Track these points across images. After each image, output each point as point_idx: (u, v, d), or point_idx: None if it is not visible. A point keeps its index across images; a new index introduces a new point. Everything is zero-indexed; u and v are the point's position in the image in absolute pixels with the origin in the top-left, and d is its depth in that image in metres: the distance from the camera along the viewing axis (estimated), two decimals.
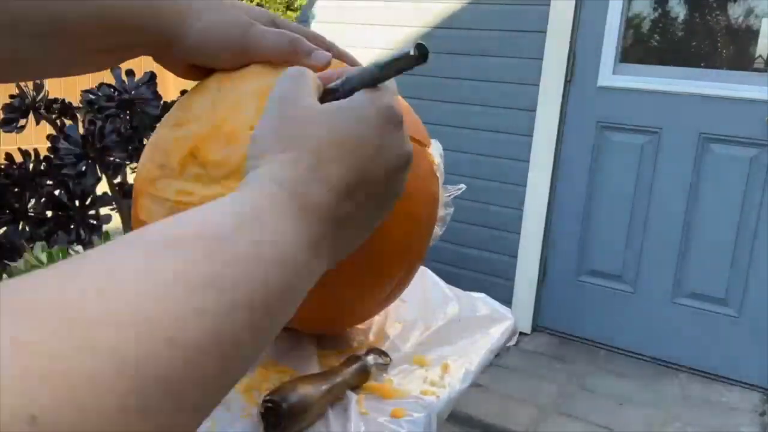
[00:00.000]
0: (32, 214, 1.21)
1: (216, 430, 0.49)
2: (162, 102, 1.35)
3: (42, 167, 1.37)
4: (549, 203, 2.67)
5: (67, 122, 1.43)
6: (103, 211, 1.24)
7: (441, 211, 0.62)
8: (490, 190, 2.76)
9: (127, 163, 1.30)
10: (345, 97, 0.40)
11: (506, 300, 2.69)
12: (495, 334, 0.73)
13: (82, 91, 1.40)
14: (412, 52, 0.37)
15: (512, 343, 0.77)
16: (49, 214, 1.19)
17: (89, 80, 1.51)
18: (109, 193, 1.30)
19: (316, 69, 0.56)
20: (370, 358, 0.59)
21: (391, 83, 0.42)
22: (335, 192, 0.35)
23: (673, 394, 2.33)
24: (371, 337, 0.67)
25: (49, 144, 1.36)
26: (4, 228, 1.32)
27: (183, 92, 0.65)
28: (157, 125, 0.57)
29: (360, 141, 0.37)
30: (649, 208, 2.50)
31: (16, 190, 1.32)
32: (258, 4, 2.98)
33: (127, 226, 1.32)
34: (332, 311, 0.58)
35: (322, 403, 0.52)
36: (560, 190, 2.66)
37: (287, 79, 0.41)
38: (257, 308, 0.29)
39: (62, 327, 0.20)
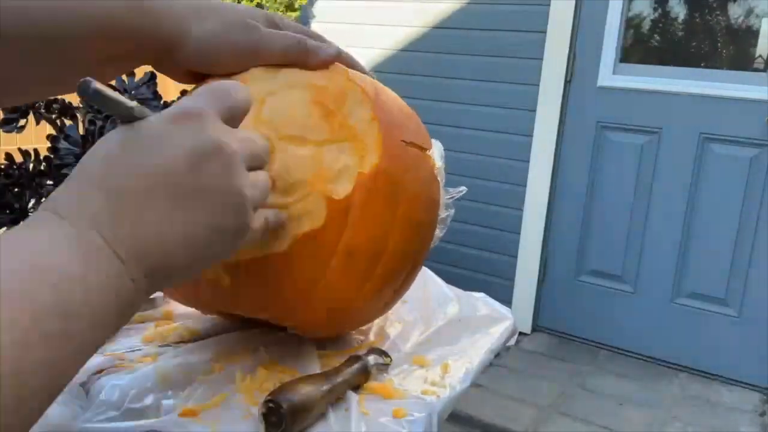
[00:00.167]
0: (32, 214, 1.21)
1: (217, 431, 0.49)
2: (162, 102, 1.35)
3: (42, 167, 1.37)
4: (549, 203, 2.67)
5: (67, 122, 1.43)
6: None
7: (442, 213, 0.62)
8: (490, 190, 2.76)
9: None
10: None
11: (506, 300, 2.69)
12: (495, 334, 0.73)
13: None
14: (131, 109, 0.36)
15: (512, 343, 0.77)
16: None
17: None
18: None
19: (324, 66, 0.55)
20: (371, 359, 0.59)
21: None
22: (101, 190, 0.33)
23: (673, 394, 2.33)
24: (372, 337, 0.67)
25: (49, 144, 1.36)
26: (4, 228, 1.32)
27: (183, 92, 0.65)
28: None
29: (126, 141, 0.35)
30: (649, 208, 2.50)
31: (16, 190, 1.32)
32: (258, 5, 2.98)
33: None
34: (334, 318, 0.58)
35: (322, 403, 0.52)
36: (560, 190, 2.66)
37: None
38: (32, 334, 0.28)
39: None
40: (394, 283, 0.59)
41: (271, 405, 0.48)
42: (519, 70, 2.64)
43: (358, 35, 2.98)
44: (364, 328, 0.69)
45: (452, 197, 0.63)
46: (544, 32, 2.56)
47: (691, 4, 2.53)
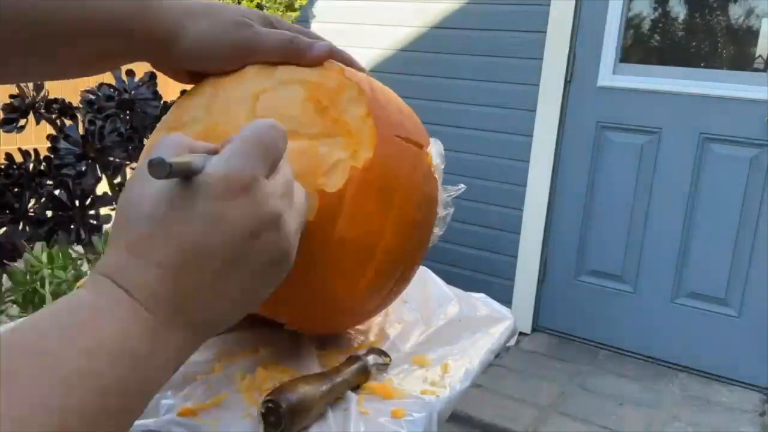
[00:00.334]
0: (32, 214, 1.21)
1: (217, 431, 0.49)
2: (162, 102, 1.35)
3: (42, 167, 1.37)
4: (549, 203, 2.67)
5: (67, 122, 1.43)
6: (103, 211, 1.24)
7: (441, 212, 0.62)
8: (490, 190, 2.76)
9: (127, 163, 1.30)
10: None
11: (506, 300, 2.69)
12: (495, 334, 0.73)
13: (82, 91, 1.40)
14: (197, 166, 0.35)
15: (512, 343, 0.77)
16: (49, 214, 1.19)
17: (89, 80, 1.51)
18: (109, 193, 1.30)
19: (318, 62, 0.56)
20: (370, 358, 0.59)
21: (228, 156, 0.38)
22: (163, 267, 0.34)
23: (673, 394, 2.33)
24: (371, 337, 0.67)
25: (49, 144, 1.36)
26: (4, 228, 1.32)
27: (183, 92, 0.65)
28: (156, 127, 0.58)
29: (185, 215, 0.34)
30: (649, 208, 2.50)
31: (16, 190, 1.32)
32: (258, 5, 2.98)
33: None
34: (329, 313, 0.58)
35: (322, 403, 0.52)
36: (560, 191, 2.66)
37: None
38: (100, 414, 0.29)
39: None
40: (390, 279, 0.59)
41: (270, 405, 0.48)
42: (519, 70, 2.64)
43: (358, 35, 2.98)
44: (363, 328, 0.69)
45: (451, 195, 0.63)
46: (544, 32, 2.56)
47: (691, 4, 2.53)
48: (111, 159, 1.27)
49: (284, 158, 0.42)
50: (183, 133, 0.41)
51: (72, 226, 1.20)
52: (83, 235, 1.19)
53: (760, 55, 2.39)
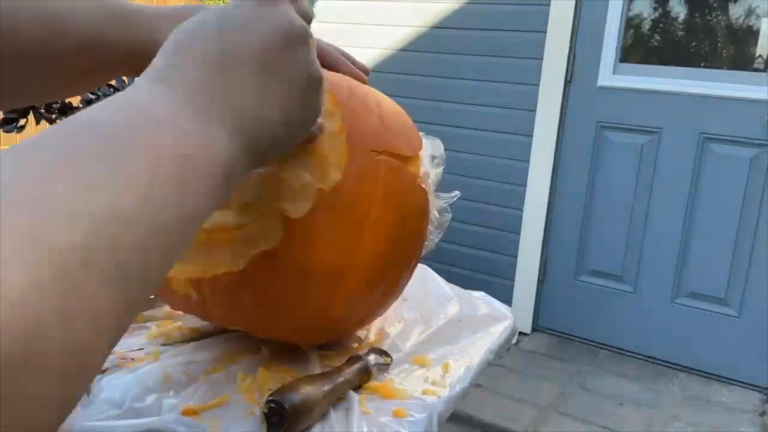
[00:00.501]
0: None
1: (218, 430, 0.49)
2: None
3: None
4: (549, 203, 2.67)
5: None
6: None
7: (434, 220, 0.61)
8: (490, 190, 2.76)
9: None
10: None
11: (506, 300, 2.69)
12: (495, 334, 0.73)
13: None
14: None
15: (511, 342, 0.77)
16: None
17: None
18: None
19: None
20: (371, 358, 0.59)
21: None
22: (205, 64, 0.35)
23: (673, 394, 2.33)
24: (372, 336, 0.67)
25: None
26: None
27: None
28: None
29: (229, 16, 0.37)
30: (649, 208, 2.50)
31: None
32: None
33: None
34: (303, 331, 0.58)
35: (324, 403, 0.52)
36: (560, 191, 2.66)
37: None
38: (160, 183, 0.28)
39: None
40: (371, 296, 0.58)
41: (273, 405, 0.48)
42: (519, 70, 2.64)
43: (358, 35, 2.98)
44: (363, 328, 0.69)
45: (448, 201, 0.62)
46: (544, 32, 2.56)
47: (691, 4, 2.53)
48: None
49: None
50: None
51: None
52: None
53: (760, 55, 2.39)
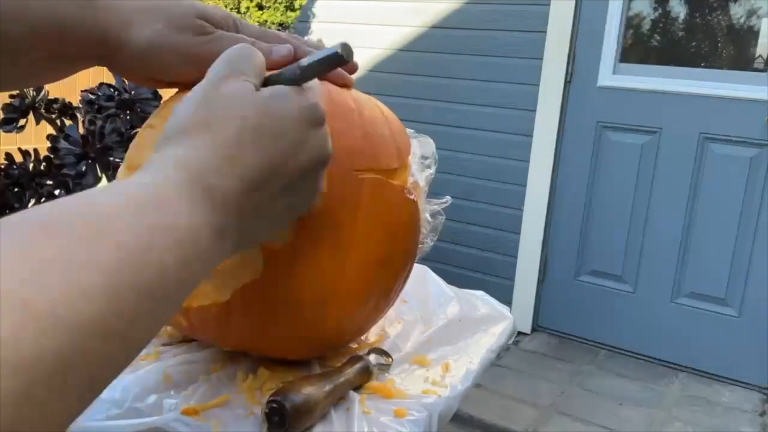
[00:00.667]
0: None
1: (219, 430, 0.49)
2: (162, 101, 1.35)
3: (42, 167, 1.36)
4: (549, 203, 2.67)
5: (67, 122, 1.43)
6: None
7: (429, 223, 0.60)
8: (490, 190, 2.76)
9: None
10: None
11: (506, 300, 2.69)
12: (495, 334, 0.73)
13: (82, 91, 1.40)
14: (339, 51, 0.37)
15: (510, 341, 0.77)
16: None
17: (89, 80, 1.51)
18: None
19: (276, 66, 0.54)
20: (372, 358, 0.59)
21: (314, 83, 0.42)
22: (244, 181, 0.35)
23: (673, 394, 2.33)
24: (372, 337, 0.67)
25: (49, 144, 1.36)
26: None
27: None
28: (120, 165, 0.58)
29: (278, 133, 0.37)
30: (649, 208, 2.50)
31: (16, 190, 1.32)
32: (258, 5, 2.98)
33: None
34: (295, 350, 0.58)
35: (325, 403, 0.52)
36: (560, 190, 2.66)
37: (225, 57, 0.40)
38: (148, 292, 0.28)
39: None
40: (363, 311, 0.57)
41: (273, 405, 0.48)
42: (519, 70, 2.64)
43: (358, 35, 2.98)
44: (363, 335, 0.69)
45: (440, 205, 0.62)
46: (544, 32, 2.56)
47: (692, 3, 2.53)
48: (111, 159, 1.26)
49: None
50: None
51: None
52: None
53: (760, 55, 2.39)
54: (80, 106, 1.42)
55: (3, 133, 1.48)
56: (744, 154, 2.33)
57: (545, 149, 2.63)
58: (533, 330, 2.78)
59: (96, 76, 1.48)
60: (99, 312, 0.25)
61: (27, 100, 1.34)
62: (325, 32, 3.09)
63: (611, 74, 2.51)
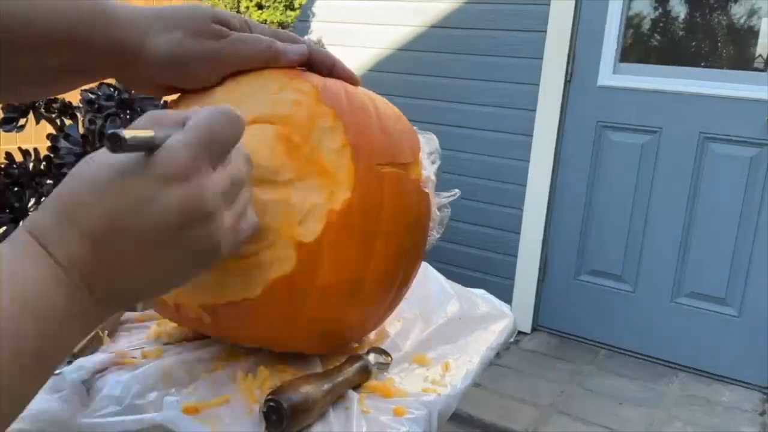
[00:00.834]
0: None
1: (218, 430, 0.49)
2: (162, 102, 1.35)
3: (42, 167, 1.37)
4: (549, 203, 2.67)
5: (67, 122, 1.43)
6: None
7: (437, 216, 0.61)
8: (490, 190, 2.76)
9: None
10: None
11: (506, 299, 2.68)
12: (495, 332, 0.73)
13: (82, 91, 1.40)
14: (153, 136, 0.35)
15: (510, 339, 0.77)
16: None
17: None
18: None
19: (293, 65, 0.53)
20: (371, 357, 0.59)
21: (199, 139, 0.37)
22: (83, 237, 0.34)
23: (673, 394, 2.33)
24: (372, 335, 0.67)
25: (49, 143, 1.36)
26: (4, 227, 1.32)
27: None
28: None
29: (116, 190, 0.34)
30: (649, 208, 2.50)
31: (16, 189, 1.32)
32: (257, 4, 2.98)
33: None
34: (318, 343, 0.59)
35: (323, 402, 0.52)
36: (560, 190, 2.66)
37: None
38: (12, 376, 0.29)
39: None
40: (384, 301, 0.59)
41: (272, 404, 0.48)
42: (519, 70, 2.64)
43: (357, 35, 2.98)
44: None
45: (449, 198, 0.62)
46: (544, 32, 2.56)
47: (692, 3, 2.53)
48: None
49: (242, 154, 0.41)
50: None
51: None
52: None
53: (760, 55, 2.39)
54: (80, 105, 1.42)
55: (3, 133, 1.48)
56: (744, 153, 2.33)
57: (545, 149, 2.63)
58: (533, 329, 2.78)
59: None
60: None
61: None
62: (325, 32, 3.09)
63: (611, 74, 2.51)
